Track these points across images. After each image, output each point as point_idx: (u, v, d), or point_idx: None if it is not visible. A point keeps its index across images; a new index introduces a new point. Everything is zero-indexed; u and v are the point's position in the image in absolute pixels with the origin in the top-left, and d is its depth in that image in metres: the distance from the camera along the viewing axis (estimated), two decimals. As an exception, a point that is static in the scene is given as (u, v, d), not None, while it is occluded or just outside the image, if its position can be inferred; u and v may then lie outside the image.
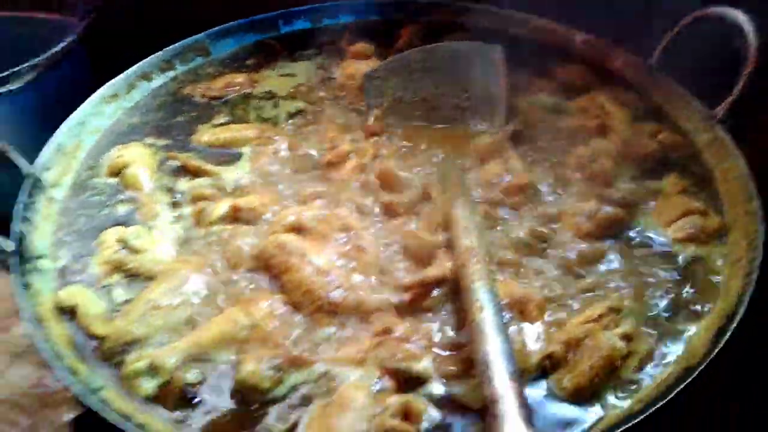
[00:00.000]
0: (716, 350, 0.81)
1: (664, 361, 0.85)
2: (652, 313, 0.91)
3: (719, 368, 0.81)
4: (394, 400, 0.80)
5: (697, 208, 1.02)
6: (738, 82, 1.10)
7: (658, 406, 0.76)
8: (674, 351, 0.86)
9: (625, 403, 0.81)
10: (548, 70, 1.36)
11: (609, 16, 1.37)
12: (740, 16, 1.11)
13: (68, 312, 0.95)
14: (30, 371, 1.27)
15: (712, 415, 1.11)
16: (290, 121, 1.30)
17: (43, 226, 1.07)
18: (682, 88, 1.22)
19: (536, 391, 0.83)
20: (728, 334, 0.82)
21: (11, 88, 1.61)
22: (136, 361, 0.87)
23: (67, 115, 1.25)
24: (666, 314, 0.91)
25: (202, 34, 1.47)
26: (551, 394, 0.83)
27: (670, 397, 0.76)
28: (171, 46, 1.43)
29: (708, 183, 1.09)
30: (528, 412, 0.71)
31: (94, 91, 1.32)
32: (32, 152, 1.15)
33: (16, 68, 1.56)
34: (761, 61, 1.09)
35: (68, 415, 1.18)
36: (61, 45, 1.60)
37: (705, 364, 0.80)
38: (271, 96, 1.38)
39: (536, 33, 1.44)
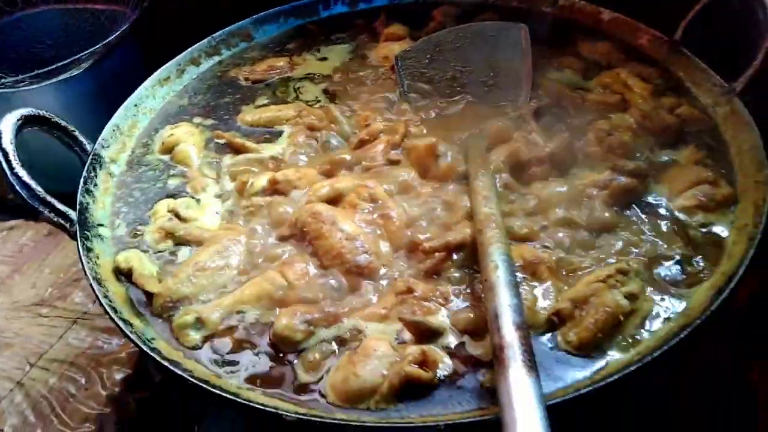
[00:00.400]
0: (713, 308, 0.86)
1: (665, 317, 0.91)
2: (658, 275, 0.96)
3: (718, 326, 0.86)
4: (413, 349, 0.88)
5: (708, 177, 1.06)
6: (756, 56, 1.13)
7: (653, 357, 0.82)
8: (676, 309, 0.92)
9: (626, 356, 0.87)
10: (575, 47, 1.40)
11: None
12: (761, -10, 1.14)
13: (125, 274, 1.06)
14: (85, 334, 1.41)
15: (708, 371, 1.15)
16: (327, 102, 1.39)
17: (102, 198, 1.19)
18: (703, 63, 1.25)
19: (544, 344, 0.90)
20: (726, 292, 0.87)
21: (73, 74, 1.75)
22: (184, 315, 0.97)
23: (121, 98, 1.36)
24: (671, 276, 0.96)
25: (246, 20, 1.57)
26: (558, 347, 0.89)
27: (664, 349, 0.82)
28: (217, 33, 1.53)
29: (723, 154, 1.13)
30: (532, 358, 0.77)
31: (144, 76, 1.42)
32: (90, 132, 1.26)
33: (76, 56, 1.70)
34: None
35: (119, 374, 1.32)
36: (116, 34, 1.73)
37: (701, 320, 0.85)
38: (309, 78, 1.47)
39: (564, 11, 1.48)
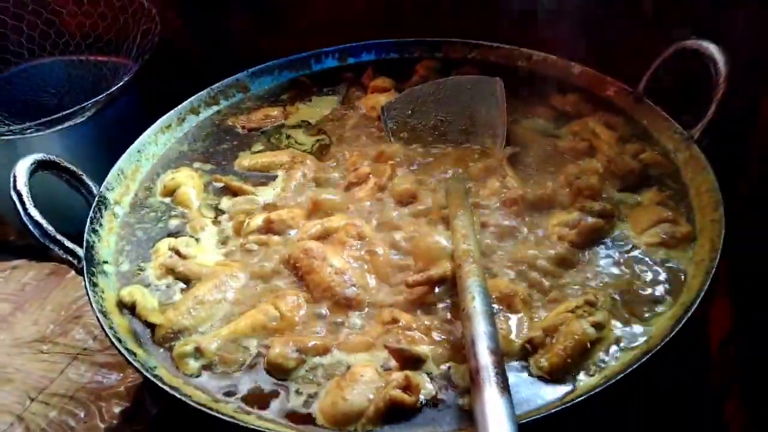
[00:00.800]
0: (672, 335, 0.94)
1: (630, 346, 0.99)
2: (623, 307, 1.05)
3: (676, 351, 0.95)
4: (397, 375, 0.95)
5: (669, 216, 1.16)
6: (711, 106, 1.25)
7: (616, 380, 0.89)
8: (639, 337, 1.00)
9: (593, 380, 0.94)
10: (547, 99, 1.51)
11: (603, 50, 1.53)
12: (712, 47, 1.26)
13: (128, 307, 1.13)
14: (85, 369, 1.44)
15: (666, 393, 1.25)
16: (318, 148, 1.49)
17: (107, 237, 1.26)
18: (664, 112, 1.36)
19: (518, 370, 0.97)
20: (684, 321, 0.95)
21: (77, 121, 1.84)
22: (184, 344, 1.04)
23: (123, 145, 1.43)
24: (636, 307, 1.05)
25: (243, 72, 1.67)
26: (531, 373, 0.97)
27: (627, 373, 0.90)
28: (216, 84, 1.63)
29: (683, 196, 1.23)
30: (505, 380, 0.84)
31: (145, 123, 1.50)
32: (93, 177, 1.32)
33: (81, 105, 1.80)
34: (730, 87, 1.23)
35: (118, 407, 1.36)
36: (119, 84, 1.82)
37: (661, 346, 0.93)
38: (302, 126, 1.57)
39: (538, 66, 1.60)
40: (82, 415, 1.36)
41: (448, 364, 0.99)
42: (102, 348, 1.51)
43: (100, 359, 1.48)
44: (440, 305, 1.08)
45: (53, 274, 1.71)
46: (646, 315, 1.04)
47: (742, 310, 1.48)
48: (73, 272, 1.70)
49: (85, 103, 1.79)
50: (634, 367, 0.91)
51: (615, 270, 1.11)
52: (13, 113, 2.01)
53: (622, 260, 1.13)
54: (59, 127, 1.81)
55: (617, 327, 1.02)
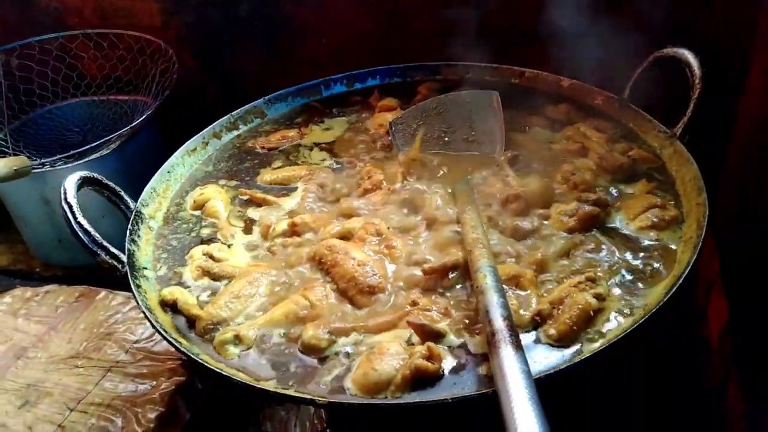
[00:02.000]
0: (666, 299, 1.04)
1: (628, 313, 1.09)
2: (621, 281, 1.15)
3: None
4: (420, 347, 1.05)
5: (657, 202, 1.27)
6: (689, 105, 1.38)
7: (615, 341, 1.00)
8: (637, 306, 1.10)
9: (597, 343, 1.05)
10: (540, 109, 1.65)
11: (589, 63, 1.67)
12: (687, 53, 1.40)
13: (169, 305, 1.23)
14: (119, 380, 1.52)
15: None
16: (332, 163, 1.61)
17: (145, 247, 1.37)
18: (648, 114, 1.49)
19: (529, 339, 1.07)
20: (675, 288, 1.06)
21: (102, 154, 1.98)
22: (224, 333, 1.14)
23: (143, 175, 1.54)
24: (633, 282, 1.15)
25: (260, 100, 1.81)
26: (541, 341, 1.07)
27: (627, 334, 1.00)
28: (235, 111, 1.77)
29: (670, 186, 1.35)
30: (518, 340, 0.95)
31: (164, 155, 1.61)
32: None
33: (105, 138, 1.93)
34: (705, 87, 1.36)
35: (153, 413, 1.45)
36: (141, 119, 1.97)
37: (656, 309, 1.03)
38: (316, 145, 1.70)
39: (530, 81, 1.74)
40: (119, 421, 1.44)
41: (465, 338, 1.09)
42: (134, 360, 1.60)
43: (133, 370, 1.57)
44: (455, 288, 1.18)
45: (83, 297, 1.81)
46: (642, 287, 1.14)
47: (737, 303, 1.58)
48: (102, 294, 1.82)
49: (110, 137, 1.92)
50: (632, 329, 1.02)
51: (613, 251, 1.22)
52: (41, 151, 2.15)
53: (618, 242, 1.24)
54: (85, 159, 1.95)
55: (617, 298, 1.12)
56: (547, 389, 0.96)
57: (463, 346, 1.08)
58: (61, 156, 1.91)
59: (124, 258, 1.27)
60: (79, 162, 1.94)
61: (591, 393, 1.19)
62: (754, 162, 1.54)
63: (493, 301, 1.02)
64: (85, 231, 1.22)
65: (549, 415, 0.83)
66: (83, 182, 1.29)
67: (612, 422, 1.39)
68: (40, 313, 1.78)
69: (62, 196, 1.22)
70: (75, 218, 1.22)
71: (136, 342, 1.64)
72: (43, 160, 1.90)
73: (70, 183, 1.25)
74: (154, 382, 1.53)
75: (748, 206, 1.55)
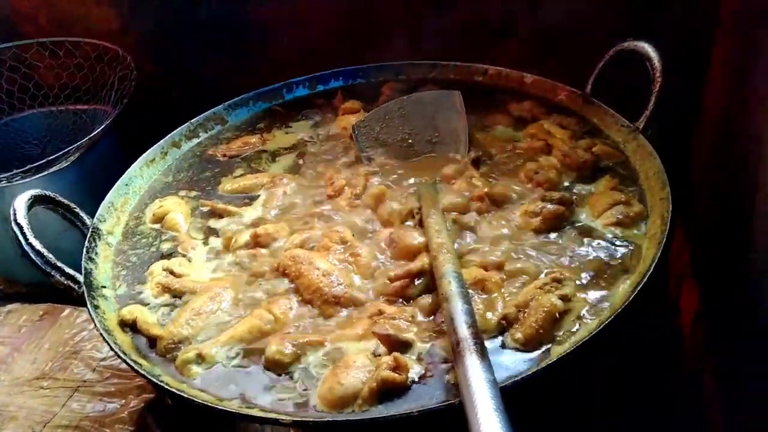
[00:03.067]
0: (631, 298, 1.04)
1: (594, 313, 1.08)
2: (587, 280, 1.15)
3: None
4: (387, 358, 1.03)
5: (621, 199, 1.26)
6: (650, 99, 1.38)
7: (581, 343, 0.98)
8: (603, 305, 1.09)
9: (564, 346, 1.03)
10: (505, 107, 1.64)
11: (551, 58, 1.67)
12: (647, 47, 1.39)
13: (129, 325, 1.19)
14: (87, 400, 1.50)
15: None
16: (296, 168, 1.58)
17: (103, 265, 1.33)
18: (611, 109, 1.49)
19: (496, 344, 1.06)
20: (641, 286, 1.05)
21: (61, 166, 1.92)
22: (186, 352, 1.11)
23: (104, 186, 1.50)
24: (598, 280, 1.15)
25: (220, 106, 1.77)
26: (507, 346, 1.06)
27: (593, 335, 0.99)
28: (194, 118, 1.73)
29: (634, 180, 1.34)
30: (483, 349, 0.93)
31: (125, 164, 1.57)
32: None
33: (63, 150, 1.88)
34: (665, 80, 1.36)
35: (121, 433, 1.43)
36: (100, 129, 1.91)
37: (621, 309, 1.03)
38: (279, 150, 1.66)
39: (493, 78, 1.72)
40: (87, 444, 1.42)
41: (432, 345, 1.07)
42: (102, 378, 1.57)
43: (101, 389, 1.53)
44: (421, 295, 1.16)
45: (47, 315, 1.77)
46: (608, 286, 1.13)
47: (708, 292, 1.59)
48: (66, 311, 1.78)
49: (67, 149, 1.87)
50: (599, 330, 1.01)
51: (578, 250, 1.21)
52: (-1, 165, 2.09)
53: (583, 241, 1.23)
54: (44, 173, 1.89)
55: (583, 298, 1.11)
56: (516, 393, 0.95)
57: (431, 354, 1.06)
58: (17, 171, 1.85)
59: (81, 278, 1.23)
60: (37, 176, 1.88)
61: (560, 389, 1.18)
62: (721, 150, 1.54)
63: (458, 308, 1.01)
64: (38, 252, 1.18)
65: (515, 423, 0.82)
66: (34, 201, 1.25)
67: (584, 417, 1.39)
68: (3, 333, 1.73)
69: (12, 217, 1.18)
70: (26, 240, 1.18)
71: (103, 359, 1.61)
72: (-1, 176, 1.85)
73: (20, 203, 1.21)
74: (123, 401, 1.50)
75: (716, 193, 1.56)
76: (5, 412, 1.50)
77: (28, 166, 1.85)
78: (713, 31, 1.60)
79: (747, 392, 1.29)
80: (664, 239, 1.13)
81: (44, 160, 1.86)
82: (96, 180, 1.75)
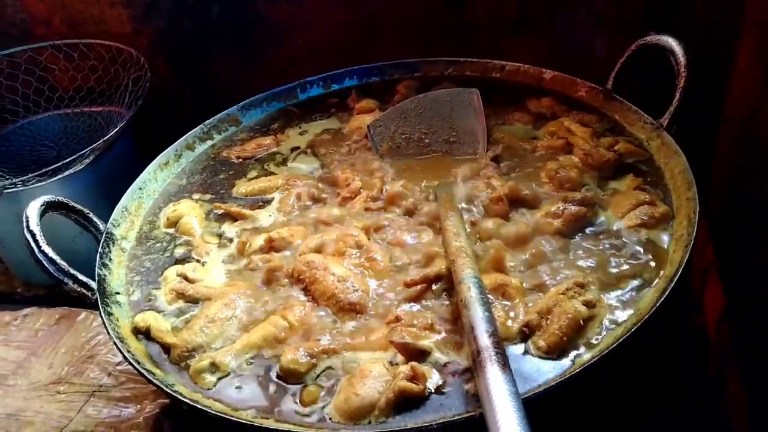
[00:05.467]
0: (658, 305, 1.00)
1: (621, 320, 1.05)
2: (612, 285, 1.11)
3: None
4: (404, 367, 1.00)
5: (646, 199, 1.22)
6: (675, 94, 1.33)
7: (610, 350, 0.95)
8: (629, 311, 1.05)
9: (589, 354, 1.00)
10: (523, 104, 1.60)
11: (570, 53, 1.62)
12: (671, 41, 1.34)
13: (142, 332, 1.18)
14: (103, 405, 1.48)
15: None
16: (310, 169, 1.56)
17: (117, 270, 1.32)
18: (633, 105, 1.44)
19: (518, 352, 1.02)
20: (668, 292, 1.01)
21: (76, 169, 1.91)
22: (200, 361, 1.09)
23: (119, 188, 1.50)
24: (623, 285, 1.11)
25: (234, 107, 1.75)
26: (530, 354, 1.02)
27: (619, 343, 0.95)
28: (208, 120, 1.71)
29: (659, 179, 1.30)
30: (505, 359, 0.90)
31: (140, 166, 1.57)
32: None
33: (78, 153, 1.87)
34: (690, 75, 1.31)
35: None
36: (115, 131, 1.90)
37: (648, 315, 0.98)
38: (293, 151, 1.64)
39: (511, 75, 1.69)
40: (103, 449, 1.41)
41: (451, 354, 1.04)
42: (117, 383, 1.55)
43: (117, 394, 1.52)
44: (438, 301, 1.13)
45: (64, 318, 1.76)
46: (634, 291, 1.09)
47: (733, 291, 1.54)
48: (83, 315, 1.77)
49: (83, 151, 1.86)
50: (625, 337, 0.97)
51: (601, 253, 1.17)
52: (14, 169, 2.08)
53: (607, 243, 1.19)
54: (60, 176, 1.88)
55: (608, 304, 1.07)
56: (540, 403, 0.92)
57: (450, 362, 1.03)
58: (33, 174, 1.85)
59: (94, 285, 1.22)
60: (52, 179, 1.88)
61: (585, 395, 1.15)
62: (745, 146, 1.49)
63: (478, 315, 0.97)
64: (50, 260, 1.17)
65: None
66: (47, 207, 1.24)
67: (608, 423, 1.35)
68: (20, 338, 1.73)
69: (24, 224, 1.17)
70: (39, 247, 1.16)
71: (119, 364, 1.59)
72: (15, 180, 1.84)
73: (32, 210, 1.19)
74: (139, 406, 1.48)
75: (739, 191, 1.50)
76: (22, 417, 1.50)
77: (44, 170, 1.84)
78: (739, 23, 1.54)
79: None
80: (692, 242, 1.09)
81: (59, 163, 1.85)
82: (111, 182, 1.74)
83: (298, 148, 1.65)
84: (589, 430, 1.18)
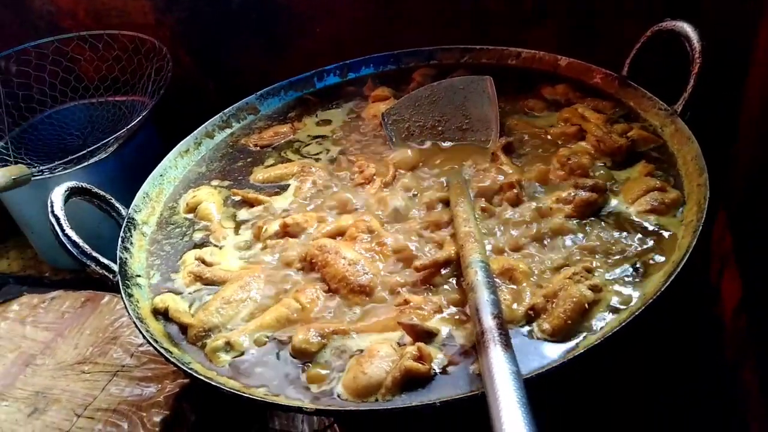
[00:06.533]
0: (663, 289, 1.00)
1: (626, 305, 1.05)
2: (620, 270, 1.11)
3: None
4: (411, 347, 1.03)
5: (657, 185, 1.22)
6: (689, 81, 1.32)
7: (610, 334, 0.96)
8: (635, 296, 1.06)
9: (593, 337, 1.01)
10: (538, 91, 1.60)
11: (587, 40, 1.62)
12: (686, 26, 1.34)
13: (161, 313, 1.22)
14: (125, 384, 1.54)
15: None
16: (326, 156, 1.58)
17: (138, 254, 1.36)
18: (648, 91, 1.44)
19: (523, 335, 1.04)
20: (674, 275, 1.02)
21: (101, 157, 1.97)
22: (215, 340, 1.12)
23: (143, 175, 1.54)
24: (632, 270, 1.11)
25: (252, 96, 1.78)
26: (535, 337, 1.04)
27: (621, 327, 0.96)
28: (227, 109, 1.74)
29: (671, 166, 1.30)
30: (508, 340, 0.92)
31: (162, 154, 1.61)
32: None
33: (102, 141, 1.92)
34: (705, 62, 1.30)
35: (158, 416, 1.45)
36: (138, 119, 1.95)
37: (653, 300, 0.99)
38: (310, 139, 1.67)
39: (527, 62, 1.69)
40: (125, 426, 1.46)
41: (458, 336, 1.06)
42: (139, 363, 1.61)
43: (138, 374, 1.57)
44: (447, 285, 1.15)
45: (89, 301, 1.82)
46: (641, 275, 1.10)
47: (751, 280, 1.53)
48: (107, 298, 1.83)
49: (107, 140, 1.92)
50: (629, 321, 0.98)
51: (611, 238, 1.18)
52: (41, 157, 2.15)
53: (616, 229, 1.20)
54: (85, 163, 1.95)
55: (614, 289, 1.08)
56: (543, 384, 0.94)
57: (456, 343, 1.05)
58: (59, 162, 1.91)
59: (116, 267, 1.26)
60: (77, 167, 1.94)
61: (593, 378, 1.16)
62: (764, 136, 1.48)
63: (483, 298, 0.99)
64: (74, 243, 1.21)
65: (539, 417, 0.80)
66: (71, 193, 1.28)
67: (617, 407, 1.36)
68: (47, 319, 1.79)
69: (49, 209, 1.22)
70: (63, 231, 1.21)
71: (141, 345, 1.65)
72: (42, 167, 1.90)
73: (57, 195, 1.24)
74: (159, 386, 1.53)
75: (759, 180, 1.49)
76: (49, 394, 1.56)
77: (69, 158, 1.90)
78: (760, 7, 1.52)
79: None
80: (701, 227, 1.09)
81: (84, 151, 1.91)
82: (135, 170, 1.78)
83: (315, 136, 1.67)
84: (594, 411, 1.19)
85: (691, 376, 1.48)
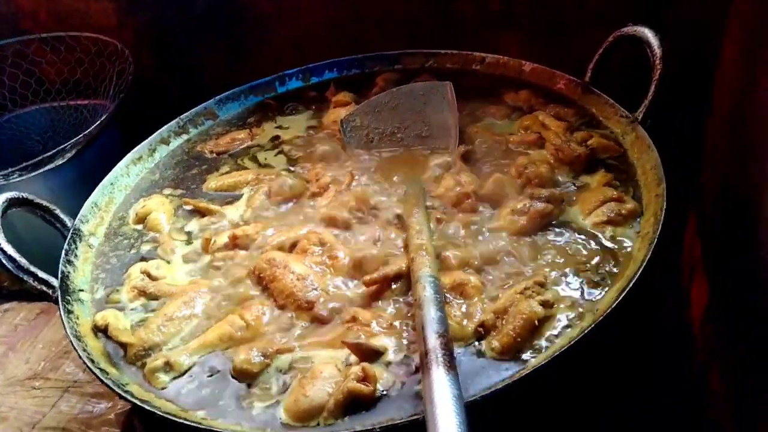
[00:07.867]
0: (614, 305, 0.96)
1: (578, 320, 1.02)
2: (572, 285, 1.08)
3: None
4: (355, 368, 0.99)
5: (614, 195, 1.19)
6: (650, 87, 1.29)
7: (559, 353, 0.92)
8: (588, 311, 1.03)
9: (543, 356, 0.97)
10: (501, 97, 1.57)
11: (549, 45, 1.58)
12: (647, 31, 1.31)
13: (102, 330, 1.17)
14: (76, 401, 1.49)
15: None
16: (282, 164, 1.54)
17: (83, 267, 1.31)
18: (610, 98, 1.40)
19: (472, 353, 1.00)
20: (627, 291, 0.98)
21: (58, 163, 1.90)
22: (154, 360, 1.08)
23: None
24: (585, 283, 1.08)
25: (211, 100, 1.73)
26: (484, 355, 1.00)
27: (570, 345, 0.93)
28: (184, 114, 1.69)
29: (630, 175, 1.26)
30: (452, 361, 0.88)
31: (123, 157, 1.56)
32: (76, 213, 1.39)
33: (60, 147, 1.86)
34: (666, 67, 1.27)
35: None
36: (95, 124, 1.89)
37: (604, 317, 0.95)
38: (267, 145, 1.62)
39: (491, 67, 1.65)
40: (75, 446, 1.41)
41: (406, 354, 1.02)
42: (91, 379, 1.55)
43: (90, 390, 1.52)
44: (397, 300, 1.11)
45: (43, 313, 1.77)
46: (595, 289, 1.06)
47: (717, 288, 1.50)
48: (63, 309, 1.76)
49: (64, 145, 1.86)
50: (579, 339, 0.94)
51: (565, 251, 1.14)
52: (2, 162, 2.08)
53: (571, 241, 1.16)
54: (42, 169, 1.87)
55: (567, 304, 1.05)
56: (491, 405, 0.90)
57: (405, 362, 1.01)
58: (15, 168, 1.84)
59: (56, 282, 1.21)
60: (34, 173, 1.87)
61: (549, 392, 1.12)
62: (733, 140, 1.45)
63: (430, 315, 0.95)
64: (9, 257, 1.16)
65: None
66: (10, 204, 1.23)
67: (578, 419, 1.33)
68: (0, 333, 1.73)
69: (-16, 222, 1.16)
70: (-3, 244, 1.16)
71: (94, 360, 1.59)
72: (-4, 174, 1.84)
73: (-7, 207, 1.19)
74: (111, 403, 1.48)
75: (727, 188, 1.47)
76: (-3, 412, 1.50)
77: (25, 164, 1.84)
78: (725, 14, 1.50)
79: (755, 392, 1.21)
80: (655, 239, 1.06)
81: (41, 157, 1.84)
82: (96, 176, 1.72)
83: (276, 138, 1.63)
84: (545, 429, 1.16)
85: (646, 384, 1.44)
